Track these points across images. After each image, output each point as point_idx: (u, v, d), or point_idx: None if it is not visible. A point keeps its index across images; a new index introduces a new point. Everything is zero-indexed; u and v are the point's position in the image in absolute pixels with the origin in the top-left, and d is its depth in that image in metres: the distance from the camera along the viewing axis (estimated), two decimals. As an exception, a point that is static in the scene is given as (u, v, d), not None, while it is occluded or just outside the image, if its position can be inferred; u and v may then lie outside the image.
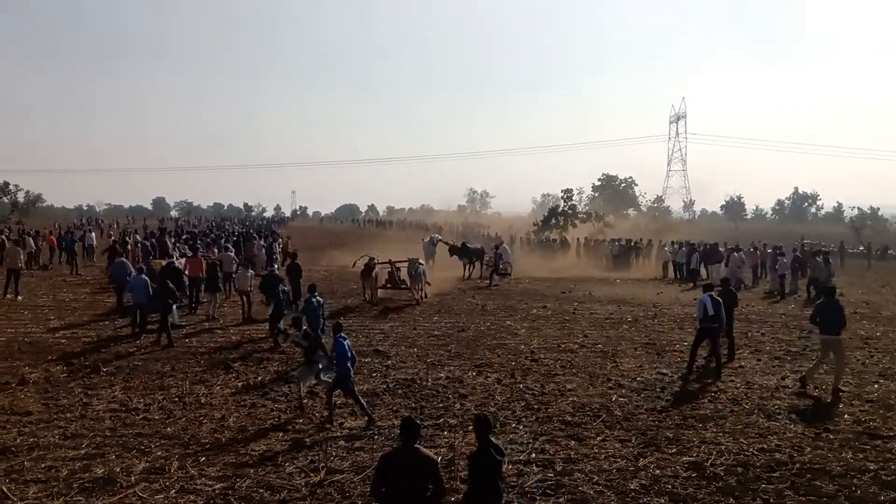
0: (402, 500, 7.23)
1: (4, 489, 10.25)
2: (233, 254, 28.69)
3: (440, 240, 42.31)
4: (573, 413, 14.27)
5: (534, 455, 11.95)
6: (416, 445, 7.42)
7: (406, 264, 29.03)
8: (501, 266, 37.75)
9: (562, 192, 70.43)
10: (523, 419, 13.83)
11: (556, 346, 20.66)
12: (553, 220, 66.02)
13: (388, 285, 28.76)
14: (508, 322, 24.26)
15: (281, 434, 12.87)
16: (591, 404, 14.85)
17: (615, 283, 37.65)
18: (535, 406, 14.67)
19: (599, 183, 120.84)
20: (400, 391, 15.64)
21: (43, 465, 11.21)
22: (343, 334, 13.54)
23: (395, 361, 18.25)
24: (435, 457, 7.57)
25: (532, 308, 27.63)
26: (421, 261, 28.77)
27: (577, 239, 57.44)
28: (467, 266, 38.40)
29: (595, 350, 20.21)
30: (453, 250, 38.96)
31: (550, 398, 15.26)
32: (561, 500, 10.29)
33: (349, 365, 13.26)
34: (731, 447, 12.38)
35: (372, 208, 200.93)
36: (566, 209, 67.67)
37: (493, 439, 7.97)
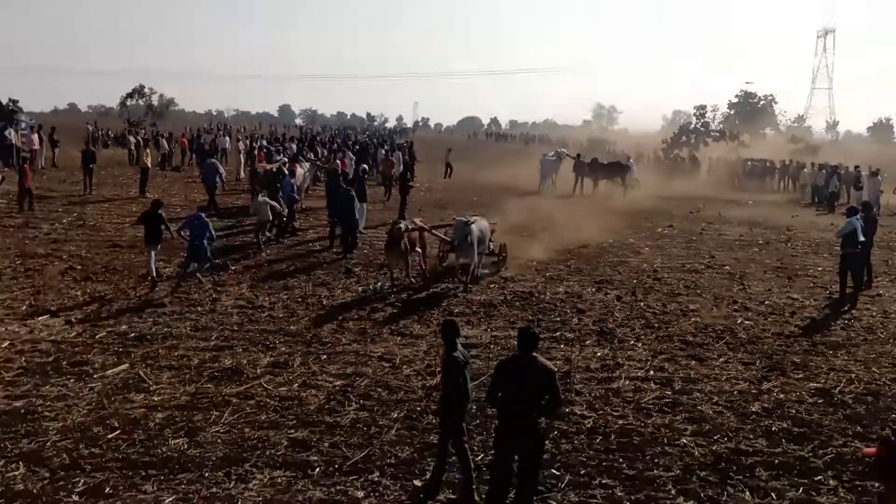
0: (517, 406, 7.33)
1: (141, 373, 11.06)
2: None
3: (567, 154, 41.45)
4: (695, 333, 14.01)
5: (652, 373, 11.87)
6: (535, 354, 7.46)
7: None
8: (629, 181, 36.78)
9: (694, 108, 67.64)
10: (642, 337, 13.71)
11: (680, 265, 20.21)
12: (684, 138, 63.66)
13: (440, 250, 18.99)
14: (632, 240, 23.83)
15: (399, 338, 13.24)
16: (714, 325, 14.54)
17: (747, 205, 36.17)
18: (656, 325, 14.48)
19: (736, 100, 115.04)
20: (517, 303, 15.73)
21: (175, 354, 12.00)
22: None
23: (513, 274, 18.30)
24: (553, 367, 7.59)
25: (657, 227, 27.02)
26: (474, 219, 16.63)
27: (709, 158, 55.24)
28: (581, 181, 37.04)
29: (722, 272, 19.65)
30: (586, 165, 37.61)
31: (672, 318, 15.02)
32: (678, 417, 10.21)
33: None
34: (861, 376, 11.92)
35: (494, 121, 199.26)
36: (698, 126, 64.99)
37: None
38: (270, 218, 19.93)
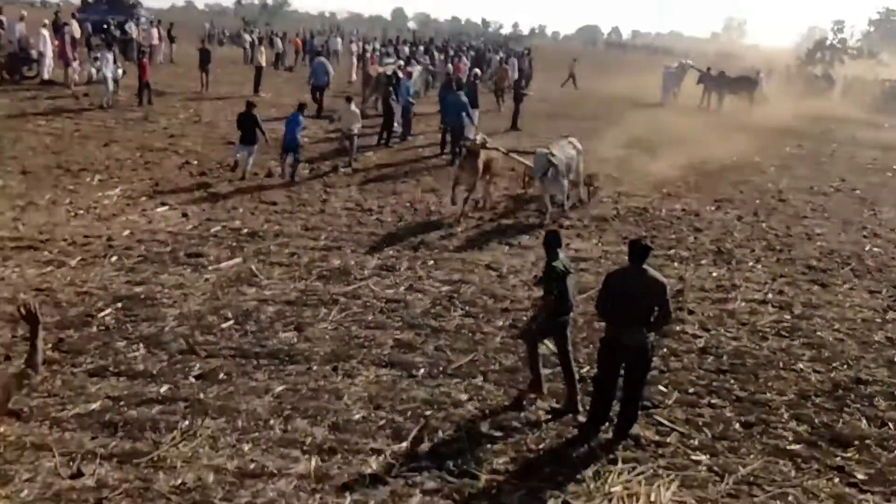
0: (627, 318, 7.23)
1: (253, 267, 11.45)
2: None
3: (691, 65, 39.54)
4: (819, 258, 13.48)
5: (770, 295, 11.52)
6: (645, 267, 7.29)
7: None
8: (757, 97, 34.94)
9: (832, 23, 63.47)
10: (762, 259, 13.28)
11: (807, 187, 19.34)
12: (818, 55, 60.00)
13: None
14: (757, 158, 22.84)
15: (507, 248, 13.23)
16: (840, 251, 13.95)
17: (883, 128, 33.98)
18: (777, 247, 13.98)
19: (878, 17, 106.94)
20: (631, 218, 15.45)
21: (286, 251, 12.35)
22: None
23: (627, 189, 17.90)
24: (664, 280, 7.42)
25: (785, 146, 25.77)
26: (554, 152, 14.51)
27: (844, 77, 51.90)
28: (708, 95, 35.30)
29: (852, 195, 18.75)
30: (712, 79, 35.71)
31: (795, 241, 14.46)
32: (795, 342, 9.93)
33: None
34: None
35: (615, 30, 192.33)
36: (835, 43, 61.07)
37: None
38: (355, 131, 18.29)
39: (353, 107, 18.39)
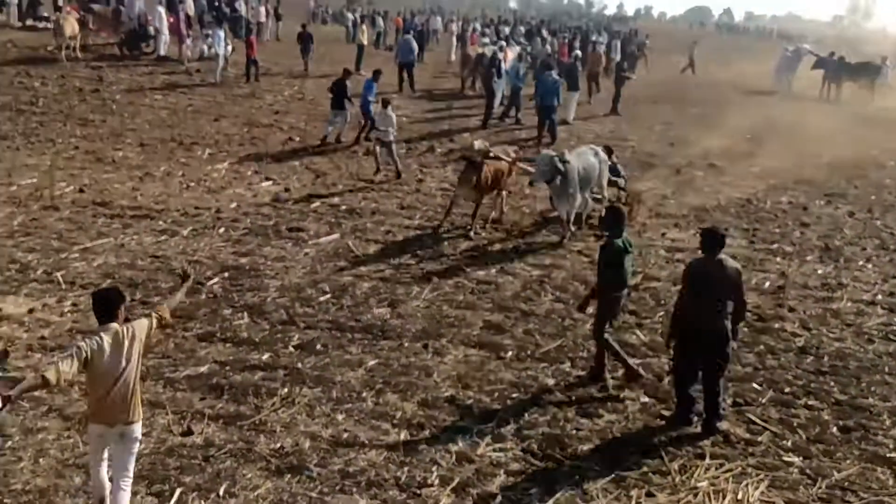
0: (706, 307, 7.25)
1: (350, 244, 11.83)
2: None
3: (809, 51, 37.68)
4: (936, 261, 12.95)
5: (880, 297, 11.17)
6: (722, 256, 7.31)
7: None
8: (879, 86, 33.01)
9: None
10: (874, 258, 12.85)
11: (929, 184, 18.44)
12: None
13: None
14: (874, 152, 21.89)
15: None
16: (962, 254, 13.34)
17: None
18: (892, 246, 13.50)
19: None
20: (732, 210, 15.17)
21: (382, 229, 12.71)
22: None
23: (731, 179, 17.56)
24: (739, 267, 7.51)
25: (907, 140, 24.53)
26: (568, 157, 12.21)
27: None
28: (828, 85, 33.49)
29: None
30: (831, 63, 33.79)
31: (911, 240, 13.92)
32: (904, 346, 9.63)
33: None
34: None
35: (727, 12, 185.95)
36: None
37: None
38: (391, 138, 15.82)
39: (389, 111, 15.93)
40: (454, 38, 37.00)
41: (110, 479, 5.38)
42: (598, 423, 7.53)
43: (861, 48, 57.17)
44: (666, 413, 7.77)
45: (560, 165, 11.74)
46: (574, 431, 7.35)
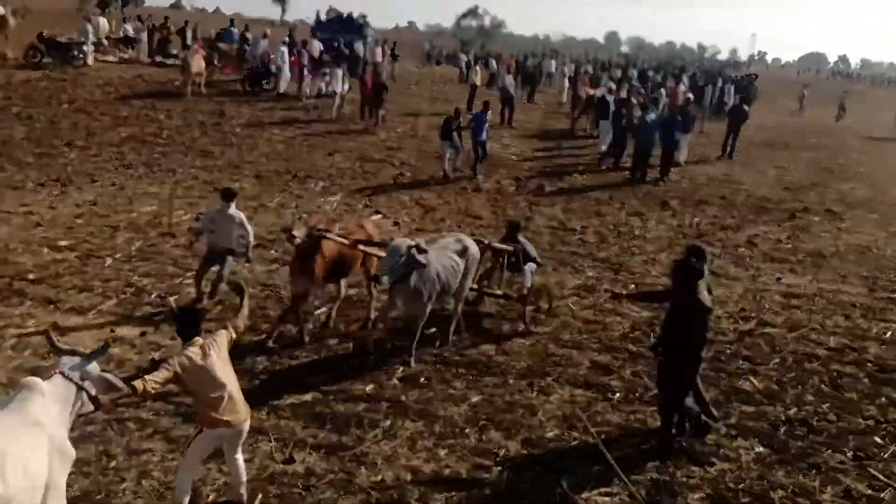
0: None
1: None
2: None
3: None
4: None
5: None
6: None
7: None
8: None
9: None
10: None
11: None
12: None
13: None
14: None
15: (713, 276, 12.67)
16: None
17: None
18: None
19: None
20: (851, 256, 14.39)
21: (488, 265, 12.51)
22: None
23: (849, 224, 16.67)
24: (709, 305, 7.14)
25: None
26: (425, 248, 8.53)
27: None
28: None
29: None
30: None
31: None
32: None
33: None
34: None
35: (842, 59, 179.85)
36: None
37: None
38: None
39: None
40: (566, 81, 36.86)
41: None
42: (710, 472, 7.11)
43: None
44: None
45: (419, 257, 8.34)
46: (684, 479, 6.97)
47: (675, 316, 7.21)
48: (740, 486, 6.90)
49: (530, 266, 10.59)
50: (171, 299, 6.83)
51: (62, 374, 4.91)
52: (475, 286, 10.15)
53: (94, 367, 5.09)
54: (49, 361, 6.97)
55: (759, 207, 17.70)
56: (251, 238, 10.07)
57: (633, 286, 11.92)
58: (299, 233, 8.61)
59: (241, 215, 10.02)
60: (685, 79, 36.42)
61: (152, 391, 5.24)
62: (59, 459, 4.74)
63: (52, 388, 4.83)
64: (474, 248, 9.45)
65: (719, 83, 35.86)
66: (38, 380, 4.85)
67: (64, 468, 4.85)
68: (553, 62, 44.98)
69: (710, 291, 7.56)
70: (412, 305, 8.70)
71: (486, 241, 10.36)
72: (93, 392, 5.04)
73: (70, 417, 4.97)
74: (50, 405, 4.78)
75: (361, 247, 9.18)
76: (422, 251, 8.40)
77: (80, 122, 20.72)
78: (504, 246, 10.40)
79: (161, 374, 5.25)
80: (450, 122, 18.14)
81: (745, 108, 24.16)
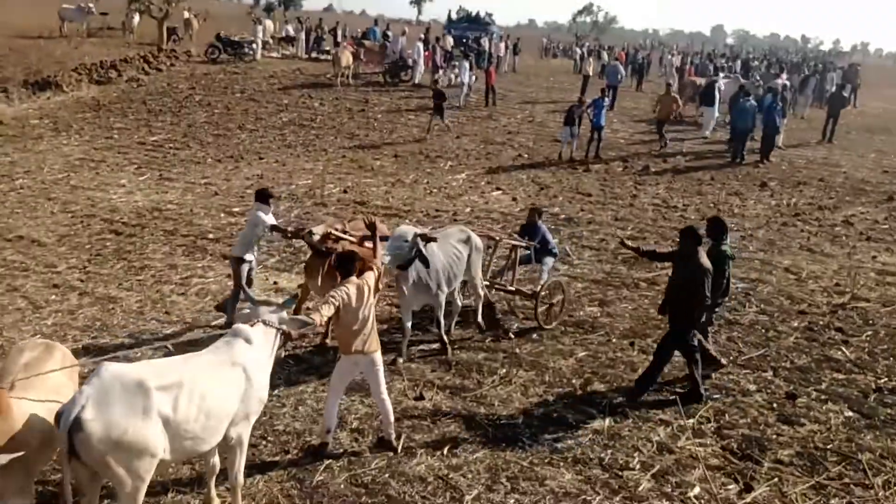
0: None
1: (567, 248, 11.57)
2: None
3: None
4: None
5: None
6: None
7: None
8: None
9: None
10: None
11: None
12: None
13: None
14: None
15: (807, 253, 12.05)
16: None
17: None
18: None
19: None
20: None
21: (596, 237, 12.36)
22: None
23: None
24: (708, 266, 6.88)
25: None
26: (431, 236, 7.67)
27: None
28: None
29: None
30: None
31: None
32: None
33: None
34: None
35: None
36: None
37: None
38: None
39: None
40: (674, 70, 35.49)
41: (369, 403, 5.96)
42: (800, 431, 6.80)
43: None
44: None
45: (423, 249, 7.41)
46: (774, 436, 6.69)
47: (678, 278, 7.10)
48: (828, 447, 6.56)
49: (548, 262, 9.28)
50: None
51: (264, 321, 5.13)
52: (487, 281, 8.80)
53: (285, 314, 5.33)
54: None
55: (857, 189, 16.59)
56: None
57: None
58: (319, 230, 7.74)
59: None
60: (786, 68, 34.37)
61: (325, 321, 5.56)
62: (252, 397, 4.91)
63: (256, 334, 5.05)
64: (477, 239, 8.35)
65: (818, 73, 33.59)
66: (245, 326, 5.06)
67: (256, 405, 5.02)
68: (663, 53, 43.41)
69: (731, 257, 7.63)
70: (419, 296, 7.62)
71: (499, 237, 9.08)
72: (292, 332, 5.29)
73: (271, 358, 5.19)
74: (253, 349, 4.97)
75: (367, 243, 7.27)
76: (428, 240, 7.47)
77: (250, 109, 21.61)
78: (518, 241, 9.03)
79: (328, 308, 5.42)
80: (573, 109, 17.89)
81: (844, 94, 22.57)
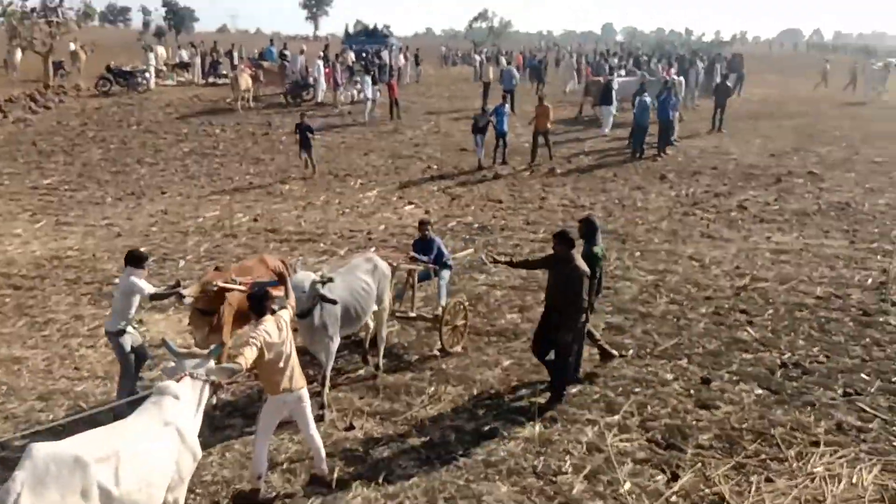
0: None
1: (483, 257, 11.67)
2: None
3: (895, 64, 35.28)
4: None
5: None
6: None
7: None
8: None
9: None
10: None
11: None
12: None
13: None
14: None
15: (709, 240, 12.63)
16: None
17: None
18: None
19: None
20: (832, 213, 14.16)
21: (510, 243, 12.58)
22: None
23: (829, 184, 16.42)
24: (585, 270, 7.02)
25: None
26: (331, 277, 6.94)
27: None
28: None
29: None
30: None
31: None
32: None
33: None
34: None
35: (817, 33, 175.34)
36: None
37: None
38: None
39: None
40: (573, 72, 36.39)
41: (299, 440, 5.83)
42: (717, 414, 7.13)
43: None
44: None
45: (324, 291, 6.83)
46: (694, 422, 6.98)
47: (556, 281, 7.14)
48: (744, 426, 6.90)
49: (444, 275, 9.00)
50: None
51: (190, 374, 5.00)
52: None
53: (211, 363, 5.19)
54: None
55: (747, 174, 17.49)
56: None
57: (638, 253, 11.89)
58: (190, 291, 6.97)
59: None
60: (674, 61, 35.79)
61: (250, 365, 5.36)
62: (187, 456, 4.78)
63: (184, 389, 4.91)
64: (383, 265, 7.96)
65: (704, 64, 35.17)
66: (170, 383, 4.90)
67: (191, 464, 4.88)
68: (558, 54, 44.44)
69: (602, 257, 7.82)
70: (317, 342, 6.99)
71: (396, 263, 8.52)
72: (221, 382, 5.19)
73: (200, 412, 5.05)
74: (182, 405, 4.83)
75: (233, 285, 7.13)
76: (326, 282, 6.84)
77: (148, 142, 20.99)
78: (413, 265, 8.73)
79: (251, 350, 5.29)
80: (477, 118, 18.29)
81: (729, 84, 23.74)
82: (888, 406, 7.24)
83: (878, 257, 11.63)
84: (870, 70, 34.51)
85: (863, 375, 7.84)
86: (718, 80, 26.99)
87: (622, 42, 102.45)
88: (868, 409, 7.19)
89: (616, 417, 7.03)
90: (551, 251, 7.49)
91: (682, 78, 26.36)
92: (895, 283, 10.45)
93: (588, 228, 7.80)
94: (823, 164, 18.58)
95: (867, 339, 8.70)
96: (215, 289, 7.05)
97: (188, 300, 6.94)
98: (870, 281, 10.62)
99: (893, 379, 7.76)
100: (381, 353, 8.08)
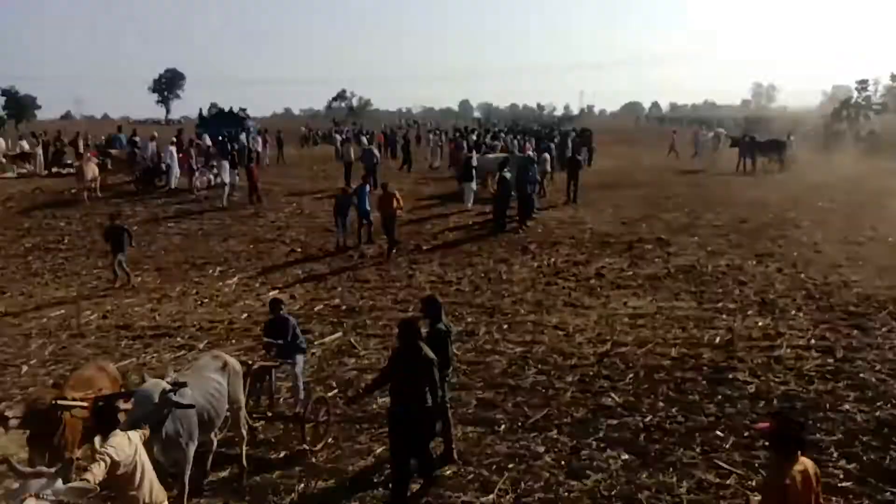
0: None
1: (352, 340, 11.66)
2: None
3: (725, 134, 39.10)
4: (857, 304, 12.96)
5: (813, 341, 11.14)
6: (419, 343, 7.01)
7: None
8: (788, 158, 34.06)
9: (856, 83, 61.49)
10: (803, 307, 12.86)
11: (842, 238, 18.60)
12: (844, 113, 58.25)
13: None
14: (791, 214, 22.21)
15: (571, 308, 13.16)
16: (877, 296, 13.35)
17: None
18: (817, 296, 13.53)
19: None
20: (681, 276, 15.17)
21: (380, 324, 12.56)
22: None
23: (675, 248, 17.65)
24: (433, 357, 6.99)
25: (817, 201, 24.85)
26: (183, 383, 6.30)
27: (871, 132, 50.07)
28: (742, 160, 34.06)
29: (885, 243, 17.94)
30: (746, 144, 34.68)
31: (833, 288, 13.96)
32: (840, 384, 9.55)
33: None
34: None
35: (655, 105, 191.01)
36: (860, 101, 59.29)
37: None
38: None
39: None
40: (437, 147, 37.52)
41: None
42: (587, 483, 7.31)
43: (768, 126, 58.37)
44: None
45: (176, 399, 6.10)
46: (566, 494, 7.13)
47: (403, 371, 6.97)
48: (613, 493, 7.12)
49: (298, 360, 8.86)
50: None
51: (35, 496, 4.57)
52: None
53: (60, 483, 4.77)
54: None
55: (602, 242, 18.48)
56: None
57: (506, 326, 12.20)
58: (15, 413, 6.22)
59: None
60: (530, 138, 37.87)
61: (99, 481, 4.94)
62: None
63: None
64: (233, 362, 7.59)
65: (557, 138, 37.40)
66: None
67: None
68: (419, 131, 45.79)
69: (447, 332, 7.77)
70: (170, 453, 6.37)
71: (251, 363, 8.31)
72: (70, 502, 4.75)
73: None
74: None
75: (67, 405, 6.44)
76: (178, 387, 6.20)
77: (-16, 238, 19.54)
78: (270, 362, 8.61)
79: (100, 466, 4.92)
80: (339, 199, 18.37)
81: (579, 157, 25.29)
82: (742, 461, 7.66)
83: (724, 316, 12.49)
84: (703, 140, 37.93)
85: (717, 433, 8.30)
86: (570, 153, 28.67)
87: (479, 118, 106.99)
88: (724, 465, 7.60)
89: (491, 497, 7.07)
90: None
91: (546, 154, 27.69)
92: (740, 341, 11.26)
93: (432, 307, 7.90)
94: (669, 229, 19.96)
95: (719, 397, 9.25)
96: (43, 408, 6.30)
97: (13, 422, 6.18)
98: (717, 339, 11.37)
99: (745, 434, 8.24)
100: (244, 454, 7.65)
